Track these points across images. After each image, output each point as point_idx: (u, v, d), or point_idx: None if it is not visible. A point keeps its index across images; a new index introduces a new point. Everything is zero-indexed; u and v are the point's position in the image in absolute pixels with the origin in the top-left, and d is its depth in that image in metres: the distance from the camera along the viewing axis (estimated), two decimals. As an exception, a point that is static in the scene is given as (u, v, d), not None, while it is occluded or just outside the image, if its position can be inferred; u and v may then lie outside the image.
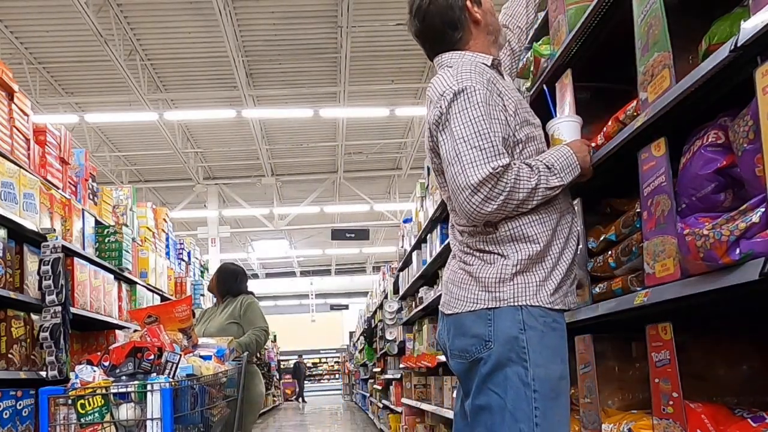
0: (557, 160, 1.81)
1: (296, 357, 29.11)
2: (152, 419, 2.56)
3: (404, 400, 7.27)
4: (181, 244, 8.38)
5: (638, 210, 1.82)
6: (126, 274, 5.44)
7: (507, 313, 1.76)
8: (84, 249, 4.64)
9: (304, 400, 25.91)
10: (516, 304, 1.77)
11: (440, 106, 1.78)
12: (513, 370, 1.73)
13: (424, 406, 5.90)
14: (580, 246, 2.18)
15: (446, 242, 4.78)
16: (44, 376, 3.85)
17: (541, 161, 1.79)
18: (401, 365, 7.66)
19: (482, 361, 1.78)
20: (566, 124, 1.93)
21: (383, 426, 10.13)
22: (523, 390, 1.71)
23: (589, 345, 2.10)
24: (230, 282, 4.75)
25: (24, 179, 3.81)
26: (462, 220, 1.87)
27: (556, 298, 1.81)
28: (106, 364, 2.70)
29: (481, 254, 1.84)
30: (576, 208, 2.20)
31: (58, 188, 4.44)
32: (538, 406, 1.70)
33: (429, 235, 5.69)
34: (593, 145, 2.11)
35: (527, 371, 1.72)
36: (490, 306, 1.78)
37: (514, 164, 1.74)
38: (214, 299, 4.87)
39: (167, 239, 7.38)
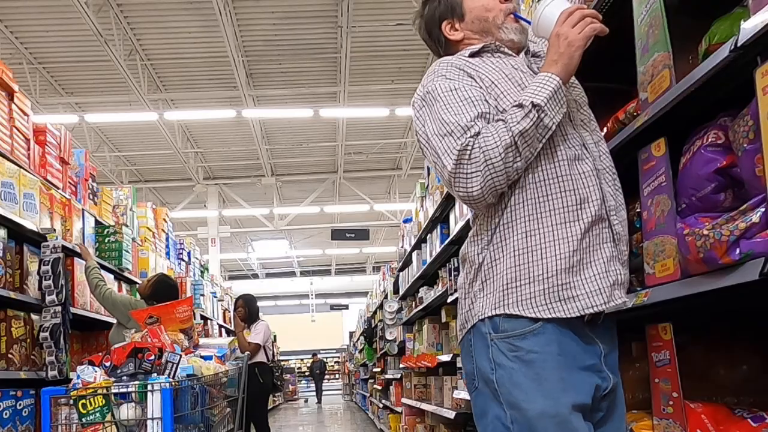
0: (526, 91, 1.60)
1: (310, 356, 28.36)
2: (153, 419, 2.57)
3: (404, 400, 7.27)
4: (181, 244, 8.39)
5: (638, 210, 1.82)
6: (126, 274, 5.45)
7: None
8: (84, 249, 4.65)
9: (319, 401, 25.45)
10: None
11: (415, 118, 1.75)
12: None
13: (424, 406, 5.90)
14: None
15: (446, 242, 4.78)
16: (44, 376, 3.85)
17: (513, 105, 1.60)
18: (401, 365, 7.66)
19: None
20: (540, 20, 1.67)
21: (383, 426, 10.13)
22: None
23: (589, 345, 2.10)
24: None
25: (24, 179, 3.81)
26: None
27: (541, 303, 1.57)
28: (108, 364, 2.71)
29: None
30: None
31: (58, 188, 4.44)
32: None
33: (429, 235, 5.69)
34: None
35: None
36: None
37: (486, 127, 1.59)
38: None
39: (167, 239, 7.39)
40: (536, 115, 1.55)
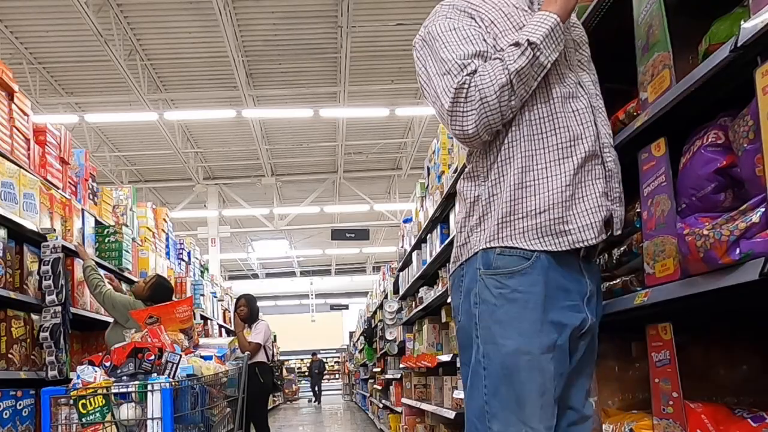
0: (523, 30, 1.62)
1: (310, 356, 27.94)
2: (152, 419, 2.57)
3: (404, 400, 7.27)
4: (181, 244, 8.39)
5: (638, 210, 1.82)
6: (126, 274, 5.45)
7: None
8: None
9: (318, 401, 25.08)
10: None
11: (415, 58, 1.77)
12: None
13: (424, 406, 5.90)
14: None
15: (446, 242, 4.78)
16: (44, 376, 3.85)
17: (510, 43, 1.62)
18: (401, 365, 7.66)
19: None
20: None
21: (383, 426, 10.14)
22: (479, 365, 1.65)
23: (589, 345, 2.10)
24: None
25: (24, 179, 3.81)
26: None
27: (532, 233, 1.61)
28: (108, 364, 2.71)
29: None
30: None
31: (58, 188, 4.44)
32: (487, 384, 1.62)
33: (429, 235, 5.69)
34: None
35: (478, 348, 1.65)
36: None
37: (483, 66, 1.62)
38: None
39: (167, 239, 7.39)
40: (532, 53, 1.59)
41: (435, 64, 1.67)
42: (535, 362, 1.58)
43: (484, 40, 1.67)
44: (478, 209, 1.68)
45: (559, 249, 1.61)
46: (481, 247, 1.65)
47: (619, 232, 1.71)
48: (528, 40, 1.58)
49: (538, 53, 1.58)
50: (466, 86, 1.60)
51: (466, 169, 1.77)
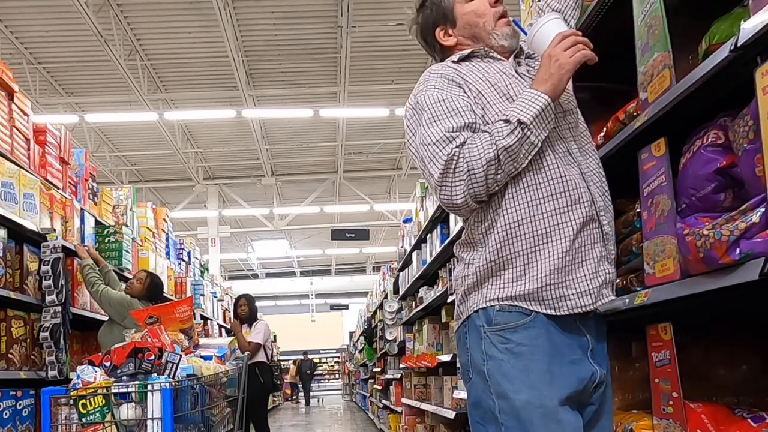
0: (513, 106, 1.63)
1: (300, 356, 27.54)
2: (152, 419, 2.57)
3: (404, 400, 7.27)
4: (181, 244, 8.39)
5: (638, 210, 1.82)
6: (126, 274, 5.44)
7: None
8: (84, 249, 4.65)
9: (307, 402, 24.74)
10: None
11: (405, 126, 1.81)
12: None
13: (424, 406, 5.90)
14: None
15: (446, 242, 4.78)
16: (44, 376, 3.86)
17: (500, 119, 1.64)
18: (401, 365, 7.66)
19: None
20: (536, 37, 1.67)
21: (383, 426, 10.14)
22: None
23: (589, 345, 2.10)
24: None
25: (24, 179, 3.81)
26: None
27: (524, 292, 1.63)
28: (108, 364, 2.71)
29: None
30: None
31: (58, 188, 4.44)
32: None
33: (429, 235, 5.69)
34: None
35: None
36: None
37: (471, 138, 1.64)
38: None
39: (167, 239, 7.39)
40: (521, 133, 1.60)
41: (423, 135, 1.70)
42: (549, 414, 1.57)
43: (473, 111, 1.69)
44: (476, 273, 1.68)
45: (557, 314, 1.63)
46: (480, 306, 1.67)
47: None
48: (519, 120, 1.59)
49: (528, 132, 1.60)
50: (455, 158, 1.62)
51: (463, 236, 1.78)
